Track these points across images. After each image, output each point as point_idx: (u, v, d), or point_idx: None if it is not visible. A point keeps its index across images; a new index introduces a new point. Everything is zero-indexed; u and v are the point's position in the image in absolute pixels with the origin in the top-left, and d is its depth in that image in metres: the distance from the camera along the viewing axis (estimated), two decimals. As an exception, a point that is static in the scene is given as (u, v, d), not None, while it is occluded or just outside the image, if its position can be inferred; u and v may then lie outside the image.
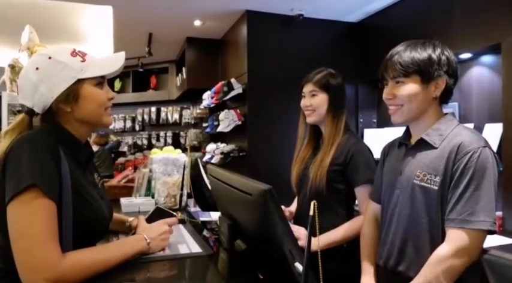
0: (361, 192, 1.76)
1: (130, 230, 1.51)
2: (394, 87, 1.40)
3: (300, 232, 1.74)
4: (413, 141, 1.45)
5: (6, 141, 1.13)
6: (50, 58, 1.19)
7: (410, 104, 1.37)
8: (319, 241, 1.67)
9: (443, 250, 1.25)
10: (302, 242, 1.68)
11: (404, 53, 1.37)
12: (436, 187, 1.31)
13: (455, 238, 1.24)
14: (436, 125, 1.38)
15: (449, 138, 1.33)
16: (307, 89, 1.88)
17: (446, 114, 1.43)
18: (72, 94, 1.19)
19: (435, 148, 1.35)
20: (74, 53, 1.22)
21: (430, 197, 1.32)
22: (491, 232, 1.24)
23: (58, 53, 1.21)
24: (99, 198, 1.27)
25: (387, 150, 1.61)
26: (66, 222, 1.09)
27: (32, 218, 1.02)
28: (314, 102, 1.84)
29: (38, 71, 1.18)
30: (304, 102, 1.89)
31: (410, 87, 1.36)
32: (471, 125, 3.07)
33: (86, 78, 1.21)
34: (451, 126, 1.37)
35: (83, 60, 1.22)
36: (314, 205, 0.87)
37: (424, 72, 1.34)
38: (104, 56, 1.30)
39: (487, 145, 1.28)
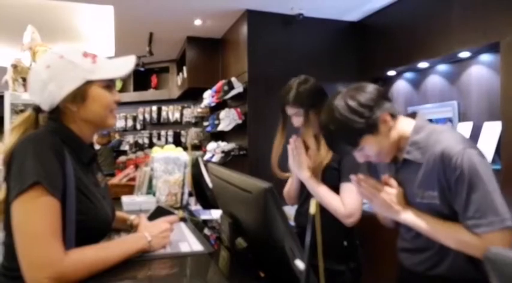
0: (344, 188, 1.75)
1: (131, 228, 1.52)
2: (361, 154, 1.40)
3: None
4: (399, 158, 1.43)
5: (12, 138, 1.14)
6: (61, 57, 1.20)
7: (382, 151, 1.37)
8: (321, 189, 1.75)
9: (474, 240, 1.23)
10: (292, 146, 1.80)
11: (339, 132, 1.36)
12: (437, 202, 1.30)
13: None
14: (412, 139, 1.37)
15: (430, 148, 1.31)
16: (290, 112, 1.87)
17: (414, 115, 1.42)
18: (80, 94, 1.20)
19: (421, 163, 1.33)
20: (86, 54, 1.23)
21: (437, 211, 1.32)
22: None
23: (70, 53, 1.22)
24: (101, 197, 1.28)
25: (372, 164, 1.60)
26: (70, 221, 1.10)
27: (36, 215, 1.03)
28: (303, 121, 1.85)
29: (48, 69, 1.19)
30: (295, 124, 1.89)
31: (370, 146, 1.36)
32: (470, 123, 3.08)
33: (96, 79, 1.22)
34: (425, 135, 1.35)
35: (94, 62, 1.23)
36: (315, 203, 0.87)
37: (366, 129, 1.33)
38: (114, 59, 1.31)
39: (467, 145, 1.26)
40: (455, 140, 1.28)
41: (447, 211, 1.30)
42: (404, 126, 1.40)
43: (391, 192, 1.38)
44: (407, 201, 1.40)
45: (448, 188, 1.27)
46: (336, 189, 1.78)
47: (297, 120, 1.87)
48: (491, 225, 1.20)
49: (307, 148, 1.90)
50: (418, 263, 1.44)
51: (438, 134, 1.33)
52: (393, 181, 1.41)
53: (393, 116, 1.37)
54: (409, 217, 1.36)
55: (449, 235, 1.28)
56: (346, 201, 1.71)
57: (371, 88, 1.37)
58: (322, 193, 1.75)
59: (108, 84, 1.26)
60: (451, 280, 1.35)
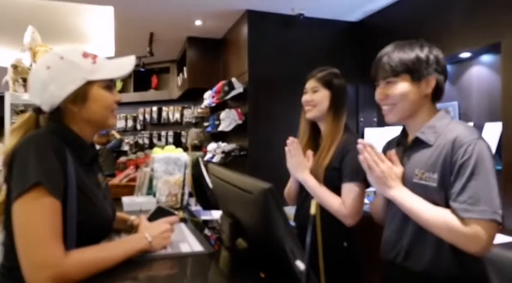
0: (345, 188, 1.74)
1: (132, 229, 1.52)
2: (385, 88, 1.43)
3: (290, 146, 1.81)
4: (409, 139, 1.47)
5: (13, 140, 1.15)
6: (61, 58, 1.20)
7: (403, 102, 1.39)
8: (320, 189, 1.74)
9: (459, 224, 1.25)
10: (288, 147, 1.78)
11: (393, 54, 1.40)
12: (434, 184, 1.32)
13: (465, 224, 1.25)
14: (430, 122, 1.40)
15: (444, 134, 1.35)
16: (310, 85, 1.89)
17: (439, 111, 1.45)
18: (81, 95, 1.20)
19: (431, 146, 1.37)
20: (85, 55, 1.23)
21: (430, 194, 1.33)
22: (499, 224, 1.24)
23: (70, 54, 1.22)
24: (103, 198, 1.28)
25: (386, 149, 1.62)
26: (71, 221, 1.10)
27: (36, 216, 1.03)
28: (316, 98, 1.85)
29: (49, 70, 1.19)
30: (305, 98, 1.89)
31: (402, 86, 1.38)
32: (471, 124, 3.08)
33: (96, 80, 1.22)
34: (445, 123, 1.39)
35: (94, 62, 1.23)
36: (316, 204, 0.87)
37: (413, 70, 1.37)
38: (114, 59, 1.32)
39: (480, 137, 1.30)
40: (471, 131, 1.32)
41: (439, 198, 1.32)
42: (433, 111, 1.43)
43: (392, 166, 1.41)
44: (404, 180, 1.41)
45: (449, 172, 1.29)
46: (336, 189, 1.77)
47: (308, 96, 1.88)
48: (481, 213, 1.23)
49: (317, 145, 1.90)
50: (397, 254, 1.45)
51: (455, 125, 1.37)
52: (396, 159, 1.43)
53: (437, 94, 1.42)
54: (400, 194, 1.37)
55: (436, 217, 1.29)
56: (347, 202, 1.71)
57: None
58: (321, 194, 1.75)
59: (109, 85, 1.27)
60: (433, 277, 1.35)
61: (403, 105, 1.40)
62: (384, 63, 1.41)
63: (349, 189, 1.72)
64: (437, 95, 1.43)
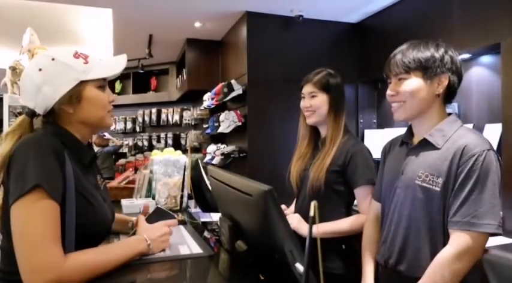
0: (360, 193, 1.76)
1: (131, 229, 1.51)
2: (397, 84, 1.41)
3: (292, 217, 1.79)
4: (415, 140, 1.45)
5: (8, 143, 1.13)
6: (53, 59, 1.20)
7: (413, 99, 1.38)
8: (320, 228, 1.68)
9: (448, 252, 1.25)
10: (293, 225, 1.72)
11: (407, 52, 1.39)
12: (438, 189, 1.31)
13: (459, 241, 1.24)
14: (439, 125, 1.38)
15: (453, 139, 1.33)
16: (307, 90, 1.88)
17: (449, 114, 1.44)
18: (75, 96, 1.19)
19: (438, 149, 1.35)
20: (77, 55, 1.22)
21: (431, 198, 1.32)
22: (496, 234, 1.25)
23: (61, 55, 1.21)
24: (102, 200, 1.27)
25: (388, 148, 1.61)
26: (69, 224, 1.10)
27: (35, 219, 1.02)
28: (314, 103, 1.84)
29: (41, 72, 1.18)
30: (304, 104, 1.89)
31: (413, 82, 1.37)
32: (471, 125, 3.07)
33: (89, 80, 1.21)
34: (454, 127, 1.37)
35: (86, 62, 1.22)
36: (314, 206, 0.87)
37: (426, 68, 1.36)
38: (106, 58, 1.31)
39: (491, 148, 1.28)
40: (482, 140, 1.31)
41: (438, 203, 1.31)
42: (442, 113, 1.42)
43: None
44: (403, 181, 1.41)
45: (454, 179, 1.28)
46: (335, 191, 1.77)
47: (306, 102, 1.87)
48: (488, 227, 1.22)
49: (317, 147, 1.89)
50: (389, 257, 1.45)
51: (466, 131, 1.36)
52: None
53: (449, 96, 1.41)
54: None
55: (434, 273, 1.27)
56: (364, 206, 1.73)
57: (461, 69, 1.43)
58: (331, 228, 1.74)
59: (102, 84, 1.26)
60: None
61: (413, 103, 1.38)
62: (397, 60, 1.40)
63: (362, 193, 1.74)
64: (448, 96, 1.42)
